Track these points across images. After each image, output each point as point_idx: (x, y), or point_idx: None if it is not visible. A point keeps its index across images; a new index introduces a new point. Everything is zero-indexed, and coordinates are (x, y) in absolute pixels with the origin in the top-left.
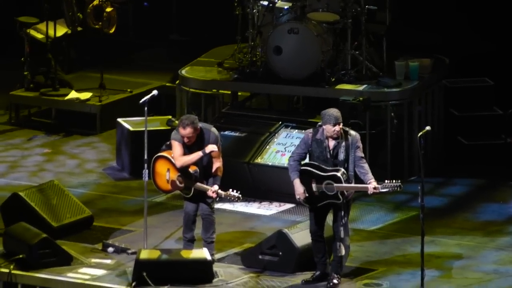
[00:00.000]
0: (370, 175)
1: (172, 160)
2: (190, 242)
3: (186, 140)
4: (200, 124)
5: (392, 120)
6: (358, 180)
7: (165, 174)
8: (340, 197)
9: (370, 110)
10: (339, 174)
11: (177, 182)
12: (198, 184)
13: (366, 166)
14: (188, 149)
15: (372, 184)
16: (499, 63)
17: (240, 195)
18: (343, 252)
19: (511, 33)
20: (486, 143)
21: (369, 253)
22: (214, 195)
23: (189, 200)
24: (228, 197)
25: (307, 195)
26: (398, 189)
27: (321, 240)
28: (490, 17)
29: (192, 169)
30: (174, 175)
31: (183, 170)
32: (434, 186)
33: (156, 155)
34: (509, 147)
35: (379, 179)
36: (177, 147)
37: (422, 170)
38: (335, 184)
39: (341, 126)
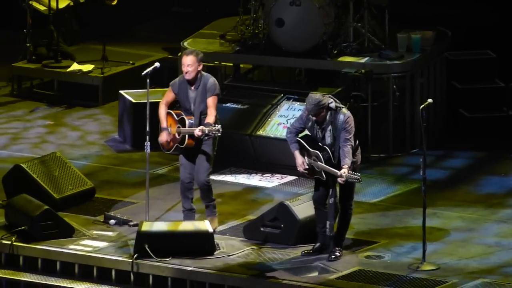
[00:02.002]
0: (346, 160)
1: (174, 115)
2: (190, 212)
3: (185, 69)
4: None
5: (394, 92)
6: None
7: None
8: (324, 175)
9: (372, 82)
10: (320, 153)
11: (176, 135)
12: (186, 128)
13: (346, 149)
14: (189, 83)
15: (340, 171)
16: (501, 36)
17: (220, 127)
18: (328, 231)
19: None
20: (488, 115)
21: (371, 226)
22: (200, 133)
23: (183, 162)
24: (211, 132)
25: (307, 166)
26: (359, 181)
27: (323, 209)
28: None
29: (188, 118)
30: (174, 129)
31: (181, 120)
32: (435, 159)
33: None
34: (511, 119)
35: (381, 152)
36: (167, 93)
37: (424, 143)
38: (317, 162)
39: (318, 115)
